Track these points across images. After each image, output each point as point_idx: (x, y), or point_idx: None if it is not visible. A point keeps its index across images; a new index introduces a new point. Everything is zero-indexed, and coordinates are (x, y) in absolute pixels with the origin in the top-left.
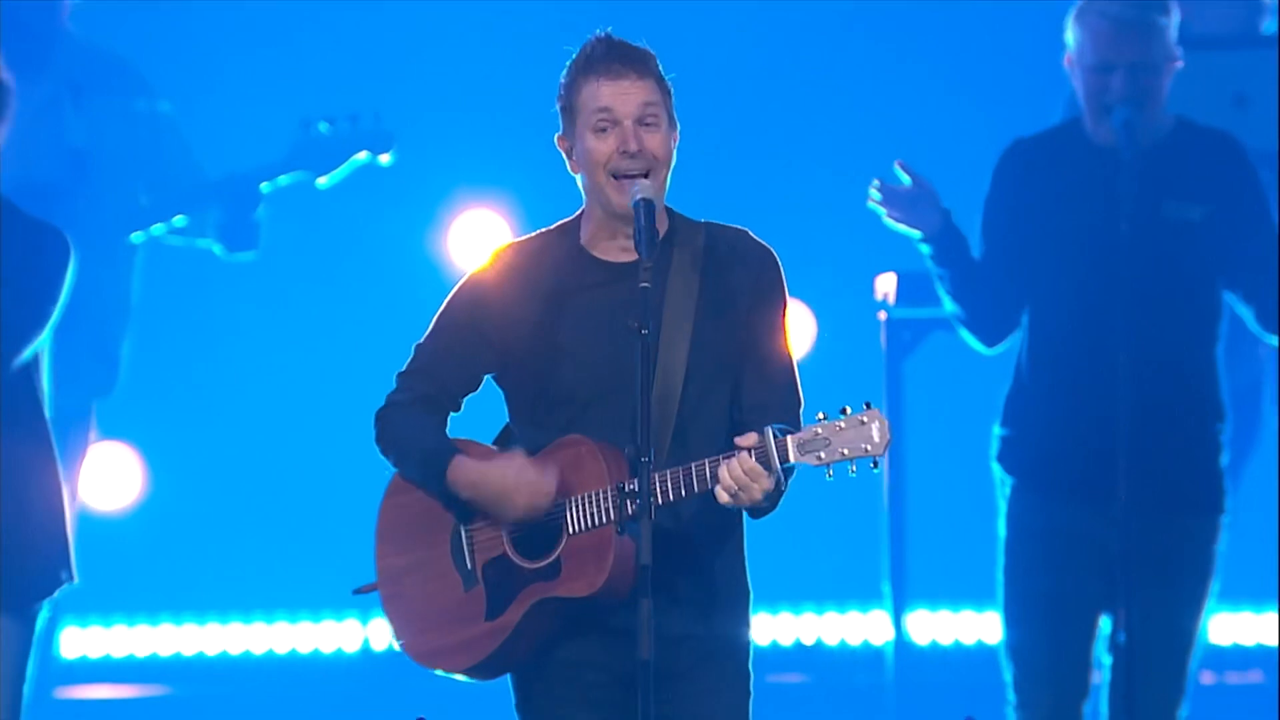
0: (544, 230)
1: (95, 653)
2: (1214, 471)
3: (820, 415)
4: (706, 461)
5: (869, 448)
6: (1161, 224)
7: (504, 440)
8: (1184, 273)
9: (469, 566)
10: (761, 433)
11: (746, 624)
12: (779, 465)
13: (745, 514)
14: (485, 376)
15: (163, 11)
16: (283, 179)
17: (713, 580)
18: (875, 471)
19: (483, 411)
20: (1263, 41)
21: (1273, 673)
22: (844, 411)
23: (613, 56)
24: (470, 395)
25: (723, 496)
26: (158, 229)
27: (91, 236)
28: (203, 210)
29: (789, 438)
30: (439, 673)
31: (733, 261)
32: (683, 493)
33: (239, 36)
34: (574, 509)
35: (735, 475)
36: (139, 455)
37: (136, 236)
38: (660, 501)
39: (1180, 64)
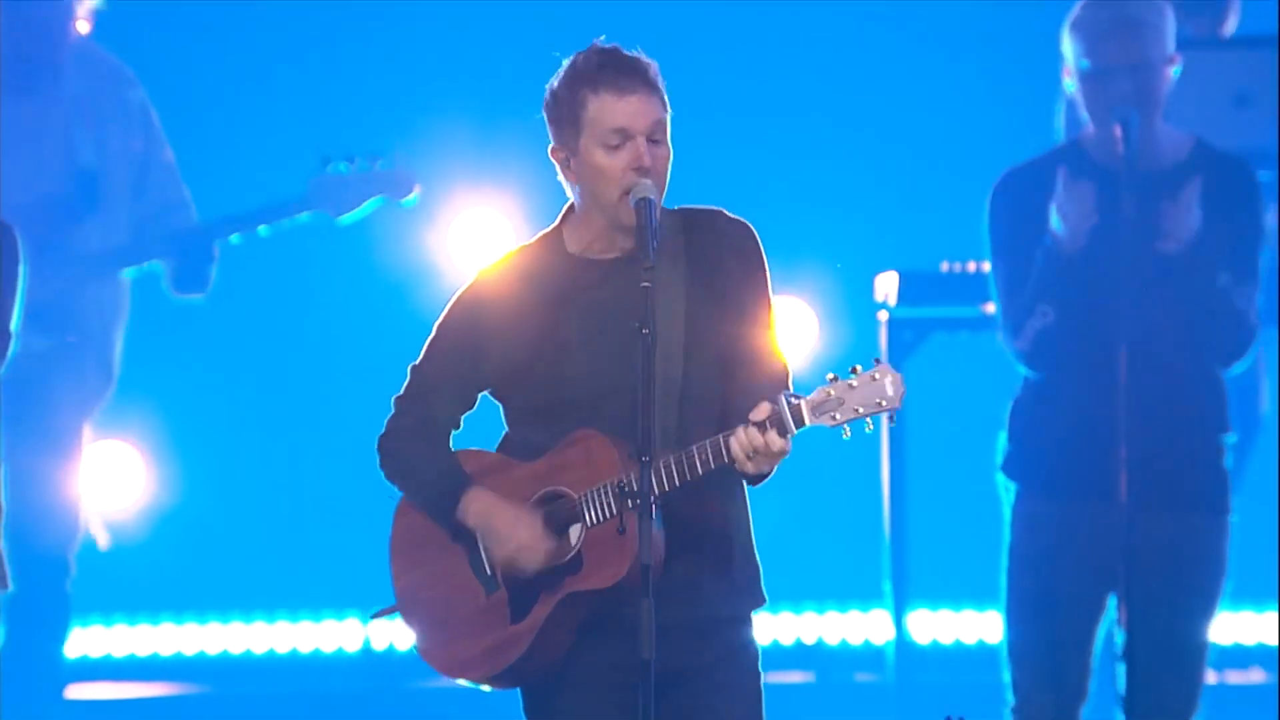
0: (525, 245)
1: (96, 652)
2: (1218, 473)
3: (830, 376)
4: (707, 441)
5: (884, 402)
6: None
7: (506, 449)
8: (1187, 287)
9: (489, 572)
10: (774, 401)
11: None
12: (794, 429)
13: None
14: (482, 395)
15: (147, 26)
16: (302, 217)
17: (731, 571)
18: (892, 426)
19: (478, 418)
20: (1263, 41)
21: (1273, 672)
22: (854, 370)
23: (621, 69)
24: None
25: (742, 461)
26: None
27: (100, 260)
28: (172, 254)
29: (802, 400)
30: (461, 682)
31: (713, 238)
32: (688, 475)
33: (237, 39)
34: (591, 502)
35: (752, 443)
36: (141, 455)
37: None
38: (668, 487)
39: (1179, 64)
